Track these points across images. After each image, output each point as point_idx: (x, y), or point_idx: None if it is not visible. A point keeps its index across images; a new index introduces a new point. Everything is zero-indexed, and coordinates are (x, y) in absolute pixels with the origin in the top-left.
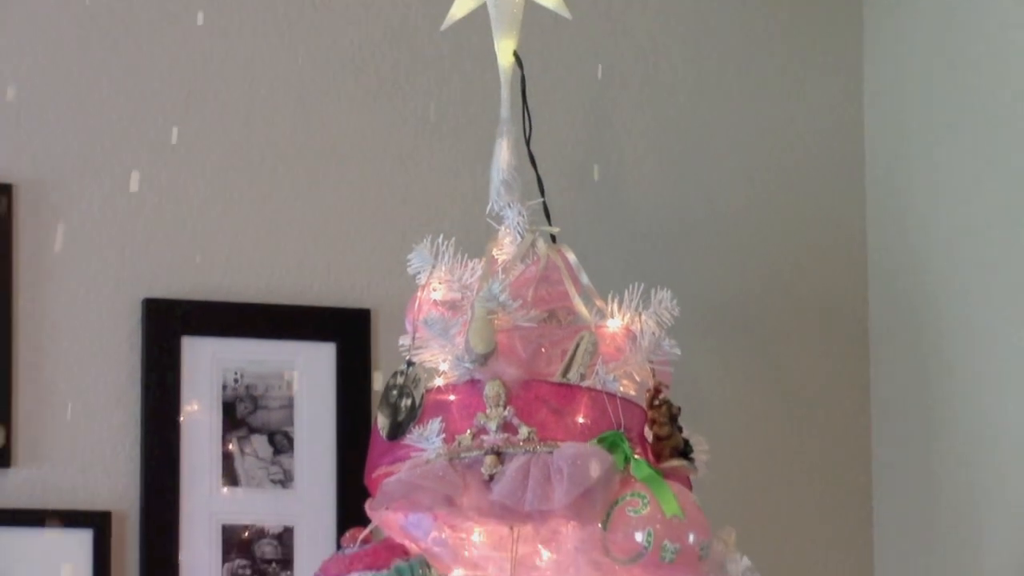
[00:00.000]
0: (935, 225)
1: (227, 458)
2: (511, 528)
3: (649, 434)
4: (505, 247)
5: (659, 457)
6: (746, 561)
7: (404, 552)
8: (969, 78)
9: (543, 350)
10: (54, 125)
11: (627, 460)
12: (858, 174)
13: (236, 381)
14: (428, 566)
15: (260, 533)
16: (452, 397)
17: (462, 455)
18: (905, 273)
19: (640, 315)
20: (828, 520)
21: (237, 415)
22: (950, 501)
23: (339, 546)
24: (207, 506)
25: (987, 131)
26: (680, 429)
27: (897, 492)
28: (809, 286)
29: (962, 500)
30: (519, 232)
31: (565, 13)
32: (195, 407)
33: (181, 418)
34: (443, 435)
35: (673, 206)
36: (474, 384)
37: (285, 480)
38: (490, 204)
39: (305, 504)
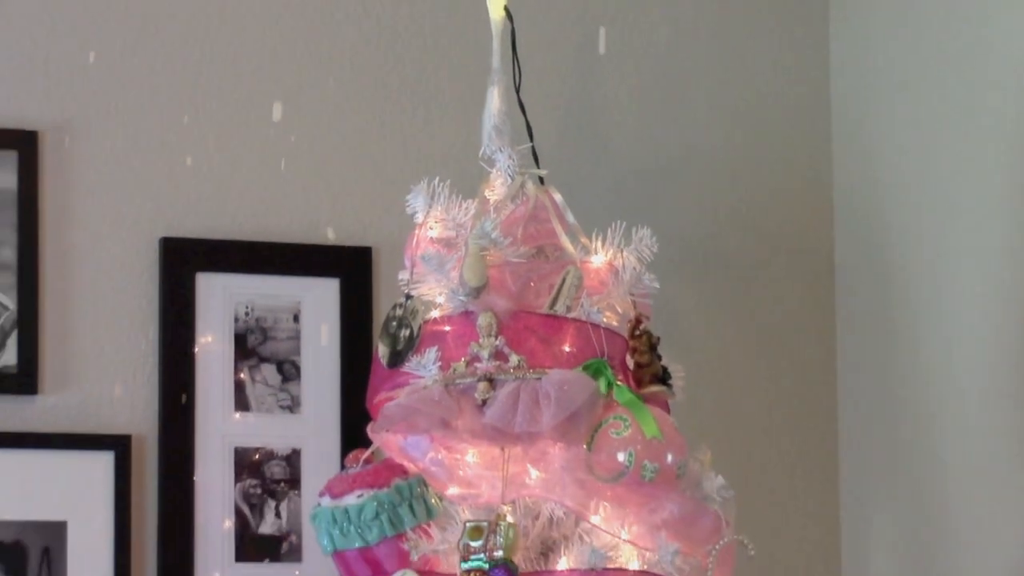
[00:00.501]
0: (897, 161)
1: (239, 386)
2: (502, 449)
3: (630, 362)
4: (496, 188)
5: (640, 383)
6: (720, 479)
7: (403, 471)
8: (934, 19)
9: (532, 284)
10: (76, 75)
11: (610, 386)
12: (824, 114)
13: (247, 314)
14: (426, 484)
15: (269, 455)
16: (447, 328)
17: (457, 381)
18: (868, 207)
19: (622, 251)
20: (796, 439)
21: (248, 345)
22: (911, 418)
23: (343, 466)
24: (220, 430)
25: (950, 71)
26: (659, 357)
27: (860, 412)
28: (779, 221)
29: (922, 416)
30: (509, 174)
31: None
32: (209, 338)
33: (196, 349)
34: (439, 363)
35: (652, 151)
36: (468, 315)
37: (293, 406)
38: (482, 148)
39: (311, 428)
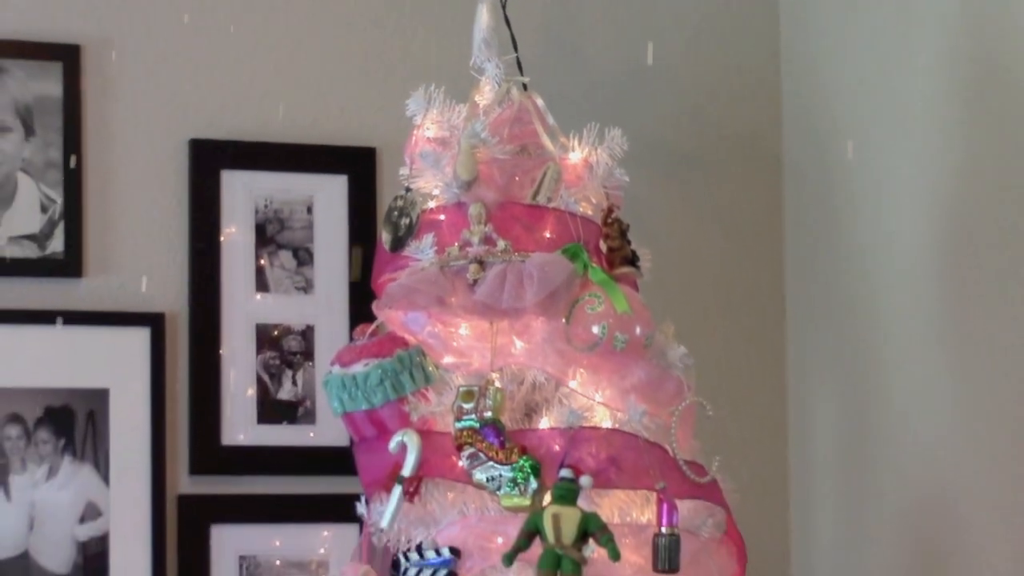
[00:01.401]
0: (839, 66)
1: (259, 270)
2: (491, 323)
3: (603, 246)
4: (485, 94)
5: (611, 265)
6: (682, 349)
7: (404, 343)
8: None
9: (516, 178)
10: None
11: (585, 267)
12: (773, 25)
13: (266, 207)
14: (424, 354)
15: (287, 331)
16: (442, 217)
17: (451, 264)
18: (812, 108)
19: (596, 149)
20: (748, 315)
21: (267, 234)
22: (852, 296)
23: (351, 339)
24: (243, 309)
25: None
26: (628, 242)
27: (806, 290)
28: (733, 122)
29: (862, 296)
30: (497, 81)
31: None
32: (233, 228)
33: (222, 238)
34: (435, 247)
35: (623, 60)
36: (460, 206)
37: (307, 287)
38: (473, 59)
39: (323, 306)
